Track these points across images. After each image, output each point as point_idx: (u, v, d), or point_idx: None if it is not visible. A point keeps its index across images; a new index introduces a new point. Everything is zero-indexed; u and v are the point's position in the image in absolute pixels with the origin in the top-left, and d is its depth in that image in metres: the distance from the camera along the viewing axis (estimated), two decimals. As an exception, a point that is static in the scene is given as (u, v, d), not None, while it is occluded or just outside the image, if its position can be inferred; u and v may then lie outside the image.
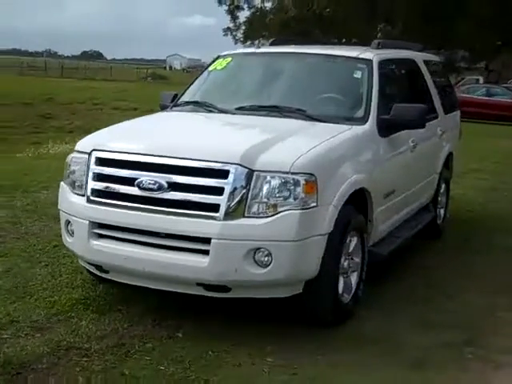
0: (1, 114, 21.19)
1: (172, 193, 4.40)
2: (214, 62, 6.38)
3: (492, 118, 24.29)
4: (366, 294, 5.30)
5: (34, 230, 6.85)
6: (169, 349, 4.35)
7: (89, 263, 4.91)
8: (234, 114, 5.53)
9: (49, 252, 6.14)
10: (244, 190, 4.30)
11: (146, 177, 4.46)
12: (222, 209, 4.28)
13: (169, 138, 4.96)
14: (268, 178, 4.33)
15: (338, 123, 5.25)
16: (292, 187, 4.33)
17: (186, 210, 4.36)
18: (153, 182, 4.43)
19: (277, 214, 4.28)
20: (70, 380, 3.91)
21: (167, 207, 4.40)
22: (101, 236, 4.67)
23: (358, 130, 5.22)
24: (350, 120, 5.35)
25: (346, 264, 4.88)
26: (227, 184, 4.30)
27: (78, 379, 3.92)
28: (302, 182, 4.33)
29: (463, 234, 7.72)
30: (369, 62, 5.80)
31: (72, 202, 4.83)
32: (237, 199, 4.29)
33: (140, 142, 4.76)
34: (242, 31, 41.26)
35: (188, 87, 6.25)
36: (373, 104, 5.47)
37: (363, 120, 5.36)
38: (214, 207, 4.30)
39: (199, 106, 5.82)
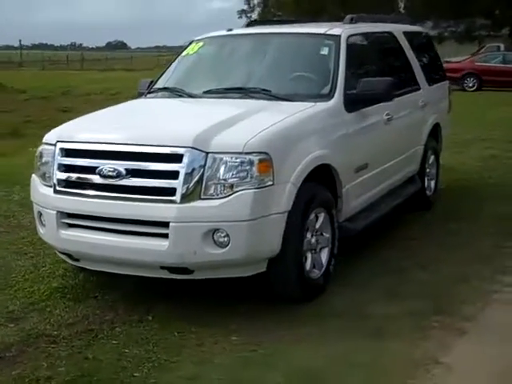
0: (20, 109, 21.45)
1: (131, 179, 4.49)
2: (187, 46, 6.44)
3: (509, 86, 23.89)
4: (341, 269, 5.36)
5: (25, 223, 7.00)
6: (136, 332, 4.45)
7: (60, 252, 5.03)
8: (201, 97, 5.61)
9: (35, 244, 6.26)
10: (199, 173, 4.37)
11: (105, 165, 4.55)
12: (179, 192, 4.35)
13: (128, 125, 5.06)
14: (222, 159, 4.39)
15: (302, 101, 5.27)
16: (246, 167, 4.38)
17: (145, 196, 4.45)
18: (112, 169, 4.52)
19: (232, 194, 4.35)
20: (35, 366, 4.02)
21: (127, 193, 4.50)
22: (69, 225, 4.78)
23: (321, 106, 5.25)
24: (315, 97, 5.37)
25: (313, 240, 4.93)
26: (182, 168, 4.37)
27: (42, 365, 4.04)
28: (256, 161, 4.38)
29: (454, 204, 7.70)
30: (336, 37, 5.80)
31: (42, 194, 4.95)
32: (192, 182, 4.36)
33: (100, 132, 4.87)
34: (257, 12, 41.16)
35: (162, 73, 6.33)
36: (339, 80, 5.48)
37: (329, 96, 5.38)
38: (171, 191, 4.38)
39: (169, 91, 5.90)
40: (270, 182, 4.44)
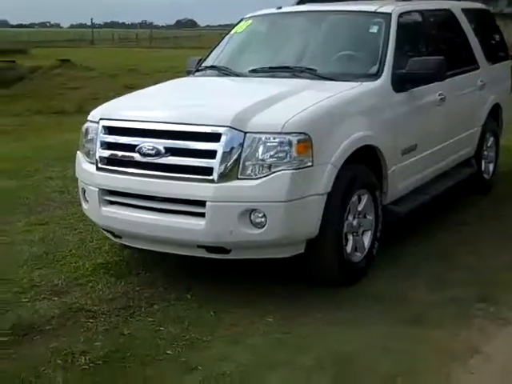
0: (87, 86, 21.84)
1: (169, 158, 4.48)
2: (236, 25, 6.38)
3: None
4: (388, 253, 5.27)
5: (78, 198, 7.08)
6: (173, 310, 4.47)
7: (103, 229, 5.09)
8: (246, 76, 5.56)
9: (85, 220, 6.30)
10: (237, 153, 4.33)
11: (145, 143, 4.56)
12: (216, 172, 4.32)
13: (169, 103, 5.06)
14: (260, 139, 4.33)
15: (348, 81, 5.16)
16: (284, 147, 4.31)
17: (182, 174, 4.43)
18: (151, 147, 4.52)
19: (270, 174, 4.29)
20: (72, 340, 4.09)
21: (165, 172, 4.49)
22: (110, 202, 4.82)
23: (368, 86, 5.12)
24: (362, 77, 5.25)
25: (355, 223, 4.83)
26: (219, 147, 4.33)
27: (79, 339, 4.10)
28: (294, 141, 4.31)
29: (513, 189, 7.44)
30: (387, 15, 5.63)
31: (85, 170, 5.01)
32: (230, 162, 4.32)
33: (141, 109, 4.88)
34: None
35: (210, 52, 6.29)
36: (387, 59, 5.33)
37: (376, 76, 5.24)
38: (208, 170, 4.35)
39: (216, 70, 5.86)
40: (309, 163, 4.36)
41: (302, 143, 4.33)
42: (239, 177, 4.33)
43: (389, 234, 5.53)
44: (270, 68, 5.55)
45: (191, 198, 4.39)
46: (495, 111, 7.30)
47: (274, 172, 4.29)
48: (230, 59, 6.01)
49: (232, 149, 4.33)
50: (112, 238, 5.10)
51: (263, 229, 4.31)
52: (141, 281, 4.95)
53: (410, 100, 5.45)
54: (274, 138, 4.32)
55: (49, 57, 29.03)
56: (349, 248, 4.79)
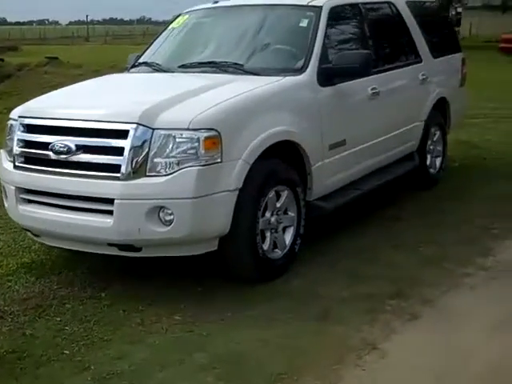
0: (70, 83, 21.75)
1: (80, 156, 4.46)
2: (174, 20, 6.35)
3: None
4: (312, 249, 5.25)
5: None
6: (83, 309, 4.43)
7: (23, 228, 5.07)
8: (174, 72, 5.54)
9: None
10: (145, 149, 4.30)
11: (58, 141, 4.53)
12: (123, 169, 4.29)
13: (84, 101, 5.02)
14: (168, 135, 4.30)
15: (272, 75, 5.12)
16: (192, 144, 4.28)
17: (92, 172, 4.41)
18: (63, 145, 4.49)
19: (178, 171, 4.26)
20: (-27, 340, 4.06)
21: (76, 170, 4.47)
22: (27, 201, 4.79)
23: (291, 80, 5.09)
24: (288, 71, 5.22)
25: (273, 219, 4.80)
26: (127, 144, 4.30)
27: (-20, 340, 4.07)
28: (202, 138, 4.28)
29: (460, 183, 7.40)
30: (318, 9, 5.60)
31: (5, 169, 4.97)
32: (138, 159, 4.29)
33: (57, 107, 4.86)
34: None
35: (147, 47, 6.26)
36: (314, 53, 5.30)
37: (301, 70, 5.21)
38: (116, 168, 4.32)
39: (148, 66, 5.83)
40: (219, 160, 4.33)
41: (210, 139, 4.30)
42: (147, 174, 4.30)
43: (316, 229, 5.53)
44: (199, 63, 5.53)
45: (100, 196, 4.36)
46: (441, 105, 7.26)
47: (182, 169, 4.26)
48: (163, 55, 5.98)
49: (140, 146, 4.30)
50: (32, 236, 5.07)
51: (170, 226, 4.28)
52: (60, 280, 4.92)
53: (337, 95, 5.41)
54: (182, 135, 4.29)
55: (38, 54, 28.97)
56: (266, 245, 4.75)
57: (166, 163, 4.29)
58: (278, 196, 4.85)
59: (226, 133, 4.37)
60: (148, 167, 4.30)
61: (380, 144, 6.08)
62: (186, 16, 6.28)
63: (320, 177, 5.25)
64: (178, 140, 4.29)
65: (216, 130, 4.33)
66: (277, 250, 4.89)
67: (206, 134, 4.29)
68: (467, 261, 5.12)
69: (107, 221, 4.33)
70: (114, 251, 4.53)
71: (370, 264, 5.08)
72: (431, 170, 7.21)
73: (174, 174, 4.25)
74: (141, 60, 6.04)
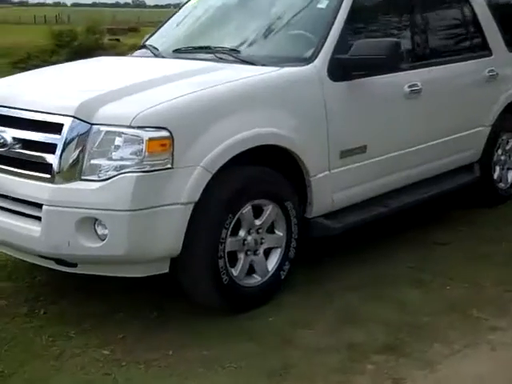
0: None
1: (17, 150, 3.80)
2: (190, -1, 5.57)
3: None
4: (309, 276, 4.38)
5: None
6: (5, 329, 3.78)
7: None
8: (164, 57, 4.80)
9: None
10: (80, 148, 3.57)
11: (-2, 131, 3.89)
12: (55, 169, 3.59)
13: (34, 86, 4.31)
14: (107, 133, 3.55)
15: (269, 65, 4.25)
16: (133, 145, 3.51)
17: (25, 170, 3.74)
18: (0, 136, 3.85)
19: (114, 177, 3.50)
20: None
21: (11, 166, 3.82)
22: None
23: (287, 72, 4.19)
24: (291, 61, 4.32)
25: (250, 239, 3.95)
26: (60, 140, 3.59)
27: None
28: (146, 138, 3.49)
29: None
30: (343, -14, 4.63)
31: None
32: (72, 159, 3.57)
33: (5, 92, 4.19)
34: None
35: (158, 28, 5.53)
36: (329, 40, 4.37)
37: (308, 60, 4.29)
38: (48, 168, 3.62)
39: (146, 49, 5.10)
40: (168, 165, 3.53)
41: (157, 140, 3.51)
42: (83, 178, 3.57)
43: (325, 247, 4.63)
44: (194, 48, 4.74)
45: (28, 199, 3.68)
46: (513, 108, 6.04)
47: (120, 174, 3.50)
48: (165, 37, 5.23)
49: (75, 143, 3.57)
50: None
51: (104, 242, 3.53)
52: (4, 288, 4.32)
53: (356, 91, 4.45)
54: (123, 133, 3.53)
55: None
56: (237, 270, 3.91)
57: (104, 166, 3.54)
58: (259, 211, 3.99)
59: (180, 133, 3.56)
60: (83, 170, 3.57)
61: (421, 152, 5.03)
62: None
63: (325, 190, 4.33)
64: (118, 139, 3.53)
65: (167, 130, 3.52)
66: (255, 275, 4.04)
67: (151, 134, 3.50)
68: (505, 310, 4.02)
69: (35, 229, 3.64)
70: (51, 264, 3.85)
71: (375, 301, 4.11)
72: (500, 185, 6.02)
73: (110, 181, 3.50)
74: (146, 42, 5.30)
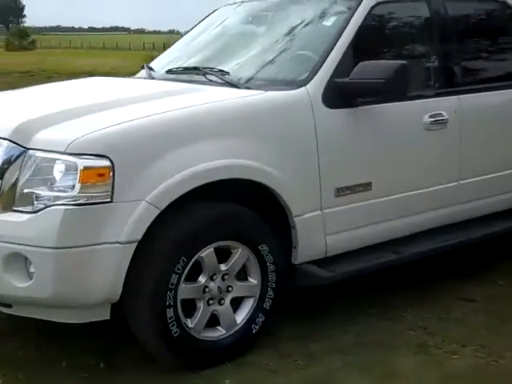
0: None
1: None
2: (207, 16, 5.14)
3: None
4: (293, 332, 3.80)
5: None
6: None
7: None
8: (154, 78, 4.43)
9: None
10: (14, 175, 3.19)
11: None
12: (-14, 197, 3.23)
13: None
14: (42, 159, 3.16)
15: (255, 88, 3.76)
16: (67, 173, 3.10)
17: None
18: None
19: (44, 209, 3.10)
20: None
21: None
22: None
23: (270, 97, 3.68)
24: (282, 84, 3.83)
25: (213, 286, 3.44)
26: (-7, 165, 3.23)
27: None
28: (80, 166, 3.07)
29: None
30: (356, 2, 4.08)
31: None
32: (6, 186, 3.20)
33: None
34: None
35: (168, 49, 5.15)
36: (327, 62, 3.83)
37: (302, 83, 3.76)
38: (-21, 194, 3.26)
39: (146, 69, 4.70)
40: (107, 199, 3.10)
41: (94, 169, 3.09)
42: (14, 208, 3.19)
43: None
44: (185, 69, 4.31)
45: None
46: None
47: (52, 206, 3.09)
48: (167, 58, 4.81)
49: (7, 169, 3.20)
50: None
51: (31, 282, 3.13)
52: None
53: (359, 120, 3.88)
54: (57, 160, 3.12)
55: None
56: (194, 320, 3.41)
57: (38, 196, 3.14)
58: (227, 254, 3.47)
59: (123, 162, 3.12)
60: (16, 199, 3.18)
61: (443, 193, 4.35)
62: (217, 11, 5.03)
63: (315, 232, 3.77)
64: (52, 166, 3.13)
65: (107, 158, 3.09)
66: (220, 328, 3.51)
67: (87, 162, 3.07)
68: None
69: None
70: (-10, 303, 3.47)
71: (359, 369, 3.46)
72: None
73: (40, 213, 3.09)
74: (152, 63, 4.91)
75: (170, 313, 3.27)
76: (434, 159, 4.26)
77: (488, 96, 4.55)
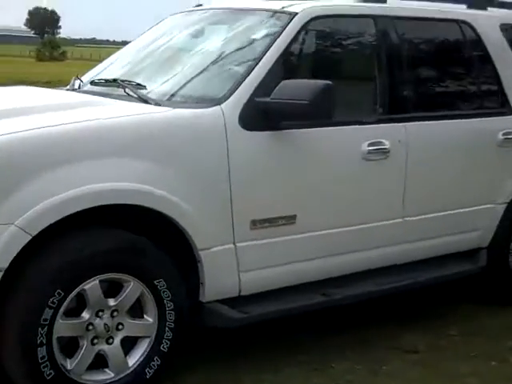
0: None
1: None
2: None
3: None
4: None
5: None
6: None
7: None
8: (76, 89, 4.09)
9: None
10: None
11: None
12: None
13: None
14: None
15: (167, 105, 3.41)
16: None
17: None
18: None
19: None
20: None
21: None
22: None
23: (175, 115, 3.32)
24: (200, 101, 3.47)
25: (99, 323, 3.07)
26: None
27: None
28: None
29: None
30: (288, 16, 3.74)
31: None
32: None
33: None
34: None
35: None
36: (249, 79, 3.48)
37: (216, 102, 3.41)
38: None
39: (77, 80, 4.34)
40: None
41: None
42: None
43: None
44: (106, 81, 3.97)
45: None
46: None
47: None
48: (102, 67, 4.45)
49: None
50: None
51: None
52: None
53: (283, 145, 3.51)
54: None
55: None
56: (75, 361, 3.04)
57: None
58: (116, 289, 3.11)
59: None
60: None
61: (385, 229, 3.96)
62: (163, 21, 4.70)
63: (225, 267, 3.39)
64: None
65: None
66: (108, 371, 3.13)
67: None
68: None
69: None
70: None
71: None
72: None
73: None
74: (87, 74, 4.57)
75: (41, 352, 2.91)
76: (373, 193, 3.87)
77: (439, 125, 4.17)
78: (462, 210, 4.31)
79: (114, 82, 3.82)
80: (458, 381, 3.62)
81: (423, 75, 4.25)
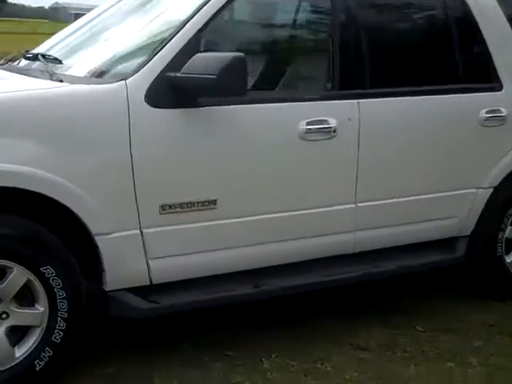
0: None
1: None
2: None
3: None
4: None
5: None
6: None
7: None
8: (12, 63, 3.90)
9: None
10: None
11: None
12: None
13: None
14: None
15: (71, 81, 3.17)
16: None
17: None
18: None
19: None
20: None
21: None
22: None
23: (69, 91, 3.07)
24: (107, 77, 3.22)
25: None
26: None
27: None
28: None
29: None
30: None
31: None
32: None
33: None
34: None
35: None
36: (161, 53, 3.19)
37: (122, 77, 3.14)
38: None
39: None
40: None
41: None
42: None
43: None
44: (34, 55, 3.76)
45: None
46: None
47: None
48: (49, 43, 4.22)
49: None
50: None
51: None
52: None
53: (197, 124, 3.21)
54: None
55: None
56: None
57: None
58: (3, 274, 2.94)
59: None
60: None
61: (331, 216, 3.59)
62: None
63: (130, 254, 3.15)
64: None
65: None
66: (-7, 361, 2.99)
67: None
68: None
69: None
70: None
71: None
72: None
73: None
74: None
75: None
76: (315, 175, 3.50)
77: (403, 102, 3.72)
78: (430, 196, 3.88)
79: (35, 57, 3.62)
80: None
81: (386, 45, 3.79)
